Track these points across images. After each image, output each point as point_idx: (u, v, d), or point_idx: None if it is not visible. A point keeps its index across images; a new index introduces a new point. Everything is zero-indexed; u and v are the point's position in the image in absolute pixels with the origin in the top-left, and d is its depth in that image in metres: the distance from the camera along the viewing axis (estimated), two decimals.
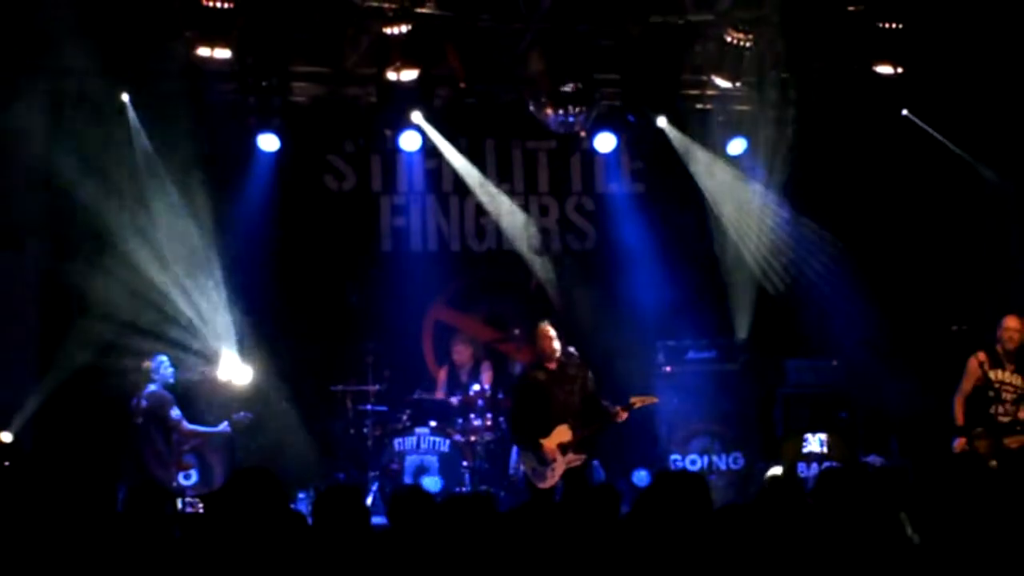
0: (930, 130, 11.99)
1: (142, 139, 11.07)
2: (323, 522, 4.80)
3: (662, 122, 12.08)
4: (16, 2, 10.02)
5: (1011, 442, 9.11)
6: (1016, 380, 9.22)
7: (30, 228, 10.88)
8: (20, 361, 10.77)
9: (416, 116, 11.64)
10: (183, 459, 10.29)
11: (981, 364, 9.25)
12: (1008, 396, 9.18)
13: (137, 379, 10.15)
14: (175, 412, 9.97)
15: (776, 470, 9.31)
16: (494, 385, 11.50)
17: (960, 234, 12.09)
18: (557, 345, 9.71)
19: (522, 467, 9.97)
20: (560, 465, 9.49)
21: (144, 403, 9.91)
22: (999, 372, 9.23)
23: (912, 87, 11.41)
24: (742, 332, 12.18)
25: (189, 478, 10.66)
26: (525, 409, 9.75)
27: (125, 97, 10.98)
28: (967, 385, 9.31)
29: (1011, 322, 9.27)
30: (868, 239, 12.29)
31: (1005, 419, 9.17)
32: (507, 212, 12.53)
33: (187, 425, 10.05)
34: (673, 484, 4.64)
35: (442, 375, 11.87)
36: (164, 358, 10.16)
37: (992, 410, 9.19)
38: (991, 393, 9.19)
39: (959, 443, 9.18)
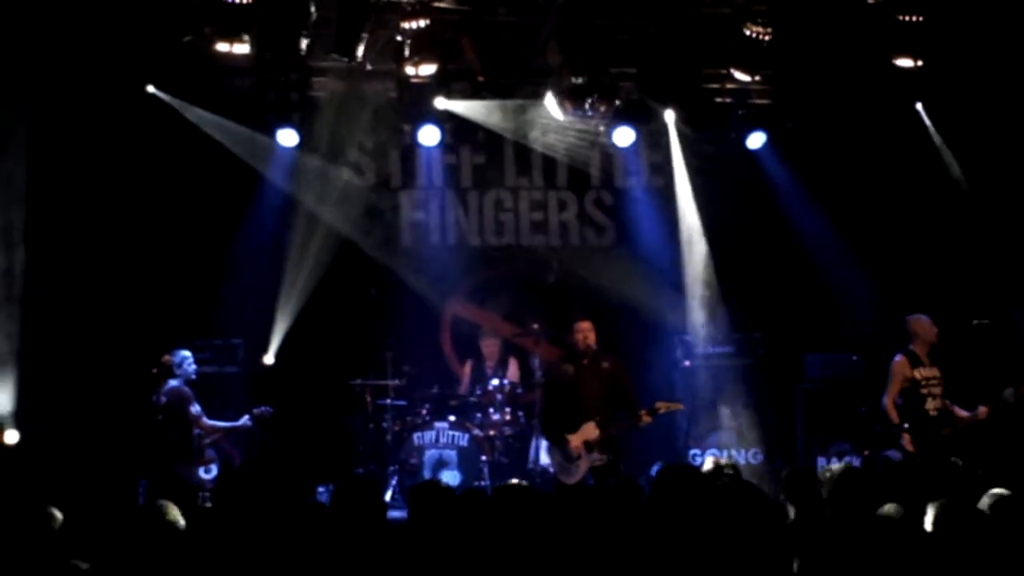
0: (930, 127, 11.95)
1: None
2: (341, 514, 4.81)
3: (669, 116, 12.05)
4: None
5: (946, 432, 9.61)
6: (937, 372, 9.72)
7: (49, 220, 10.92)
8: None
9: (440, 101, 11.60)
10: (204, 454, 10.31)
11: (906, 366, 9.69)
12: (936, 390, 9.65)
13: (158, 373, 10.18)
14: (195, 408, 9.94)
15: None
16: (516, 380, 11.50)
17: (982, 227, 12.00)
18: (591, 342, 9.74)
19: (547, 461, 10.01)
20: (584, 462, 9.52)
21: (163, 399, 9.88)
22: (922, 370, 9.69)
23: (930, 80, 11.33)
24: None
25: (209, 472, 10.68)
26: (553, 403, 9.81)
27: (151, 88, 11.03)
28: (895, 388, 9.70)
29: (928, 322, 9.83)
30: (888, 232, 12.23)
31: (935, 413, 9.61)
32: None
33: (208, 421, 10.04)
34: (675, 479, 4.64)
35: (467, 369, 11.86)
36: (187, 352, 10.13)
37: (925, 406, 9.61)
38: (923, 391, 9.63)
39: (907, 439, 9.56)
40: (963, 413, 9.73)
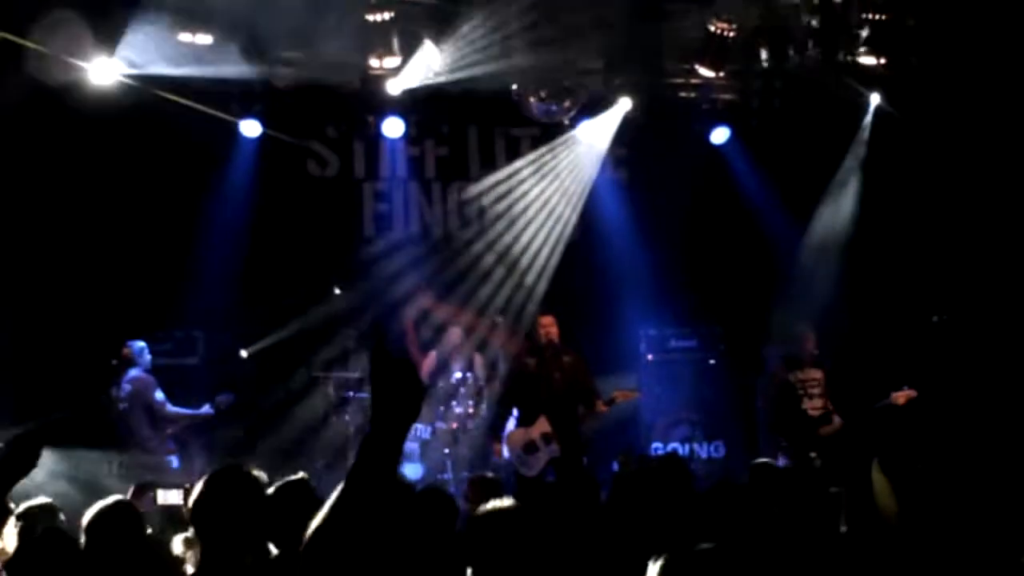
0: (867, 123, 12.04)
1: None
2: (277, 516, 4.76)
3: (623, 104, 11.94)
4: None
5: (826, 431, 9.81)
6: (817, 375, 10.00)
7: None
8: None
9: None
10: (166, 444, 10.26)
11: (783, 371, 10.01)
12: (815, 391, 9.94)
13: (119, 364, 10.12)
14: (159, 395, 9.94)
15: None
16: (480, 373, 11.49)
17: (942, 223, 12.09)
18: (553, 336, 9.74)
19: (508, 454, 10.03)
20: (544, 455, 9.53)
21: (127, 387, 9.84)
22: (799, 373, 9.98)
23: (892, 78, 11.41)
24: None
25: (170, 463, 10.63)
26: (514, 396, 9.84)
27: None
28: (774, 394, 10.07)
29: (810, 336, 10.16)
30: (849, 228, 12.32)
31: (815, 412, 9.85)
32: None
33: (171, 408, 10.01)
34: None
35: (428, 361, 11.81)
36: (142, 343, 10.09)
37: (802, 406, 9.88)
38: (800, 391, 9.90)
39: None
40: (837, 420, 9.92)
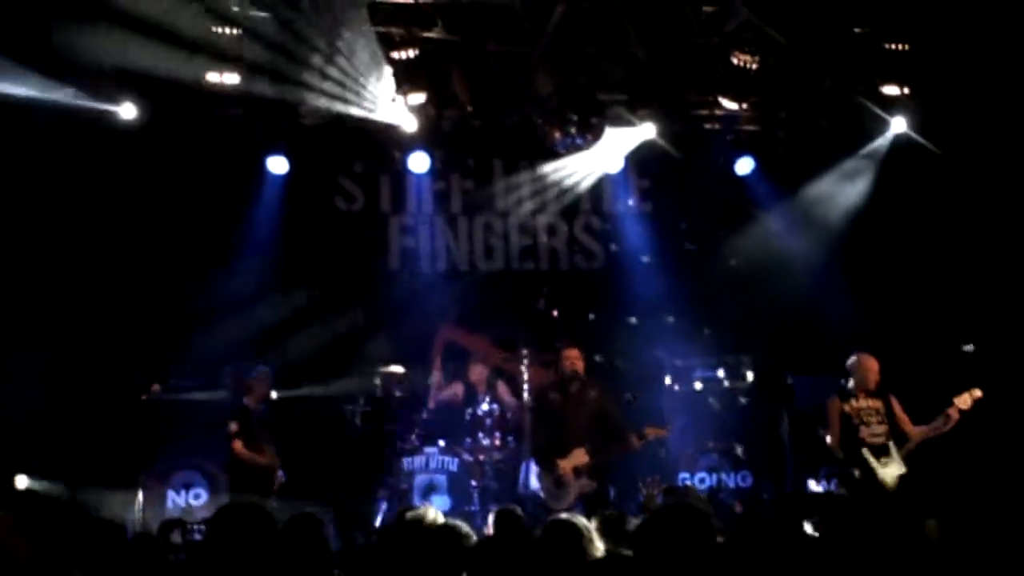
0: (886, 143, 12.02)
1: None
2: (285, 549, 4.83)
3: (646, 130, 11.90)
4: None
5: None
6: (874, 404, 9.61)
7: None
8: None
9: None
10: None
11: (836, 403, 9.62)
12: (873, 419, 9.56)
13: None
14: None
15: None
16: (507, 404, 11.51)
17: (970, 252, 12.05)
18: (579, 368, 9.78)
19: (537, 486, 10.05)
20: (574, 488, 9.55)
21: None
22: (854, 402, 9.61)
23: (917, 106, 11.41)
24: None
25: (199, 498, 10.75)
26: (542, 429, 9.85)
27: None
28: (833, 428, 9.63)
29: (872, 363, 9.68)
30: (878, 257, 12.30)
31: (876, 440, 9.49)
32: None
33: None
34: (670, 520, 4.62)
35: (455, 393, 11.85)
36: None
37: (859, 435, 9.50)
38: (854, 422, 9.54)
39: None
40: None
